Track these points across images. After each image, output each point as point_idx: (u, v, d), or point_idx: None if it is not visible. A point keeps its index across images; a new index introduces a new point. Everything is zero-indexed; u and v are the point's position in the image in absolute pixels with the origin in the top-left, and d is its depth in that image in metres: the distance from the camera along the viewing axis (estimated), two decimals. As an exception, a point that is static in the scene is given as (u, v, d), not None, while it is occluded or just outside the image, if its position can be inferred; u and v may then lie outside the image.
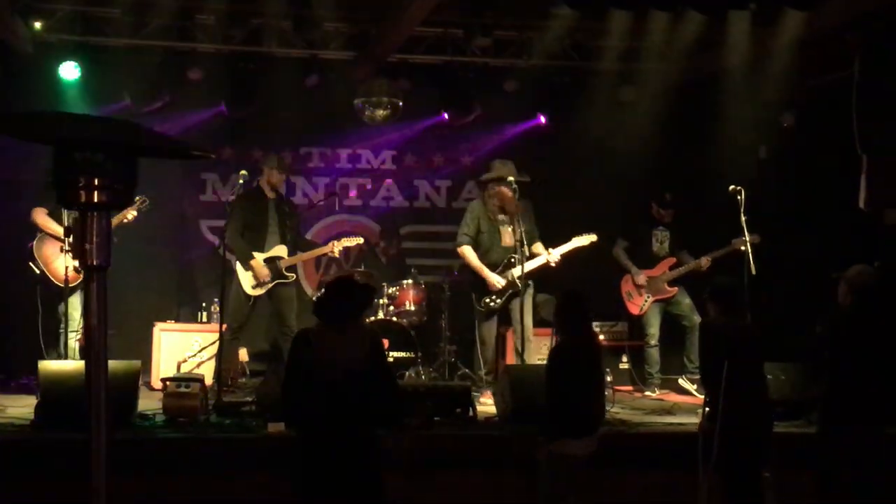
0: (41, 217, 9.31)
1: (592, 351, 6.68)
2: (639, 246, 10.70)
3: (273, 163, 10.00)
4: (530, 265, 9.64)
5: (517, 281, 9.61)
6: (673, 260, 10.61)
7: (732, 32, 10.25)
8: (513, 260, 9.76)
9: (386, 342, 10.23)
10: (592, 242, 9.95)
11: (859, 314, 6.70)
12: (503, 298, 9.81)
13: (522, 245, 9.47)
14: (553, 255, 9.77)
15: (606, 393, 9.01)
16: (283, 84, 11.47)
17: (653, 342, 10.54)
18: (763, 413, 6.74)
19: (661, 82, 11.84)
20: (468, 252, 9.87)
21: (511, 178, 9.64)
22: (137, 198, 9.40)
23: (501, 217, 9.92)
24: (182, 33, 10.90)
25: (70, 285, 9.10)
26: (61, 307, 9.27)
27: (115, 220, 9.05)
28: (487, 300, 9.81)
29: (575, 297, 6.80)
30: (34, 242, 9.40)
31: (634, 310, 10.66)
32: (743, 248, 9.43)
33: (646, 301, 10.54)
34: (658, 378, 10.54)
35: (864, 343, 6.63)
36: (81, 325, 9.18)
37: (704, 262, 10.41)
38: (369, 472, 5.71)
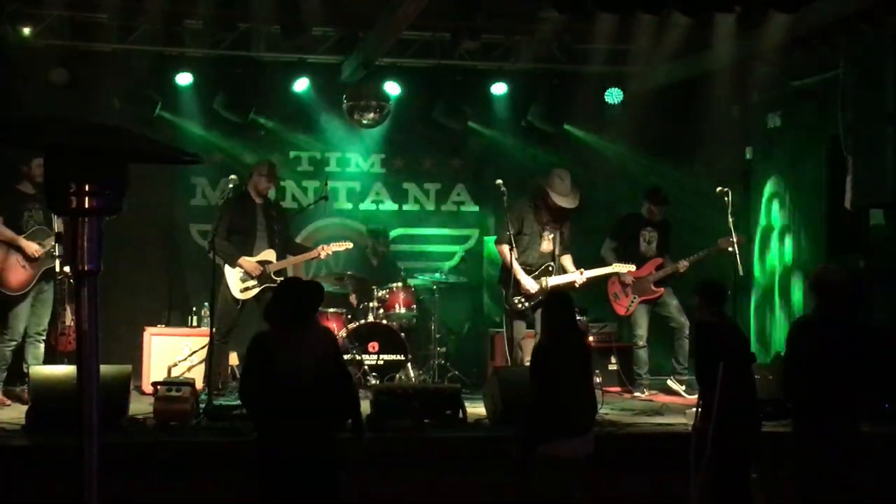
0: None
1: (579, 350, 6.70)
2: (627, 246, 10.66)
3: (263, 170, 9.99)
4: (559, 279, 9.72)
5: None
6: (660, 260, 10.59)
7: (718, 34, 10.29)
8: (549, 268, 9.80)
9: (376, 345, 10.29)
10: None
11: (824, 313, 6.66)
12: (532, 303, 9.73)
13: (565, 251, 9.67)
14: (581, 277, 9.82)
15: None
16: (271, 88, 11.51)
17: (641, 343, 10.55)
18: (753, 413, 6.77)
19: (647, 84, 11.90)
20: (506, 250, 9.67)
21: (561, 204, 9.76)
22: None
23: (547, 222, 9.93)
24: (170, 38, 10.91)
25: (18, 293, 8.93)
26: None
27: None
28: (516, 301, 9.68)
29: (561, 296, 6.89)
30: None
31: (621, 310, 10.68)
32: (730, 248, 9.46)
33: (632, 302, 10.54)
34: (647, 379, 10.55)
35: (827, 342, 6.59)
36: (23, 335, 9.07)
37: (682, 265, 10.41)
38: (330, 469, 5.78)
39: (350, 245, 10.34)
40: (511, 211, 9.76)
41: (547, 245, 9.91)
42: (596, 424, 8.15)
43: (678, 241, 10.79)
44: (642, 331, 10.56)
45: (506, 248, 9.69)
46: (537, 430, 6.41)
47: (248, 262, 9.60)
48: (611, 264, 10.40)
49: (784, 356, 6.77)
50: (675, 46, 10.68)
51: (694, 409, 6.92)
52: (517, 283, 9.66)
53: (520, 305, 9.70)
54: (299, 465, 5.66)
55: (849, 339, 6.63)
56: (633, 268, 10.20)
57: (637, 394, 10.41)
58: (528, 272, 9.75)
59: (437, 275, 11.27)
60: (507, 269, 9.76)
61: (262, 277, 9.67)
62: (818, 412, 6.52)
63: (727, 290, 7.20)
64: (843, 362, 6.54)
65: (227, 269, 9.65)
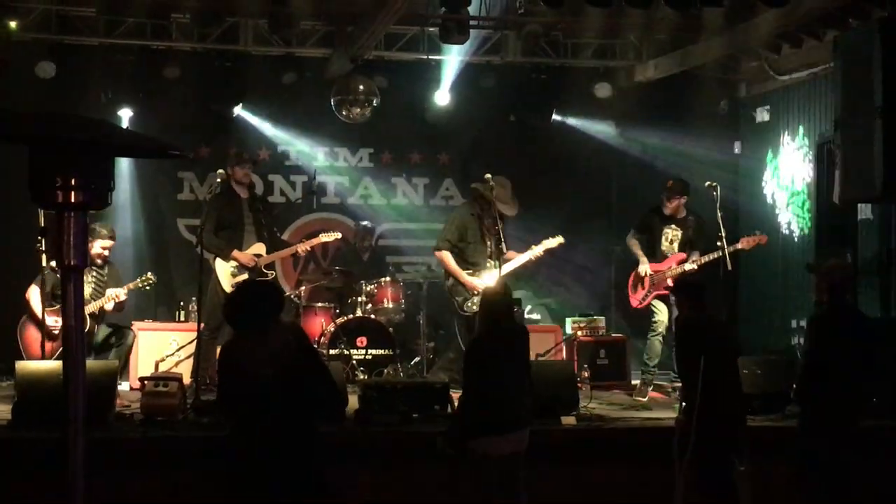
0: (33, 297, 9.06)
1: (513, 348, 6.48)
2: (649, 242, 10.16)
3: (232, 161, 9.84)
4: (514, 264, 9.51)
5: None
6: (683, 256, 10.00)
7: (706, 28, 10.29)
8: (495, 266, 9.63)
9: (364, 339, 10.26)
10: (560, 244, 9.72)
11: (836, 306, 6.72)
12: None
13: (502, 254, 9.36)
14: (537, 250, 9.53)
15: (582, 388, 9.02)
16: (259, 82, 11.48)
17: (659, 329, 9.86)
18: (738, 407, 6.78)
19: (635, 79, 11.89)
20: (446, 257, 9.53)
21: (504, 212, 9.51)
22: (146, 276, 9.41)
23: (490, 227, 9.57)
24: (158, 32, 10.89)
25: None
26: None
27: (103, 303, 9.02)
28: (471, 303, 9.37)
29: (496, 294, 6.66)
30: (21, 321, 9.23)
31: (634, 303, 10.10)
32: (718, 243, 9.36)
33: (646, 295, 10.04)
34: (653, 373, 9.90)
35: (842, 337, 6.64)
36: None
37: (684, 269, 9.91)
38: (312, 472, 5.61)
39: (339, 235, 10.30)
40: (452, 220, 9.71)
41: (492, 245, 9.55)
42: (584, 419, 8.21)
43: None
44: (662, 316, 9.90)
45: (446, 254, 9.54)
46: (466, 428, 6.30)
47: (242, 254, 9.53)
48: (635, 253, 10.09)
49: (805, 354, 6.75)
50: (663, 40, 10.69)
51: (679, 404, 6.93)
52: (464, 285, 9.43)
53: (474, 307, 9.09)
54: (278, 473, 5.50)
55: (863, 330, 6.69)
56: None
57: (638, 398, 9.70)
58: (476, 274, 9.49)
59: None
60: (451, 277, 9.56)
61: (254, 271, 9.61)
62: (836, 411, 6.52)
63: (701, 285, 7.11)
64: (858, 356, 6.58)
65: (217, 263, 9.55)
